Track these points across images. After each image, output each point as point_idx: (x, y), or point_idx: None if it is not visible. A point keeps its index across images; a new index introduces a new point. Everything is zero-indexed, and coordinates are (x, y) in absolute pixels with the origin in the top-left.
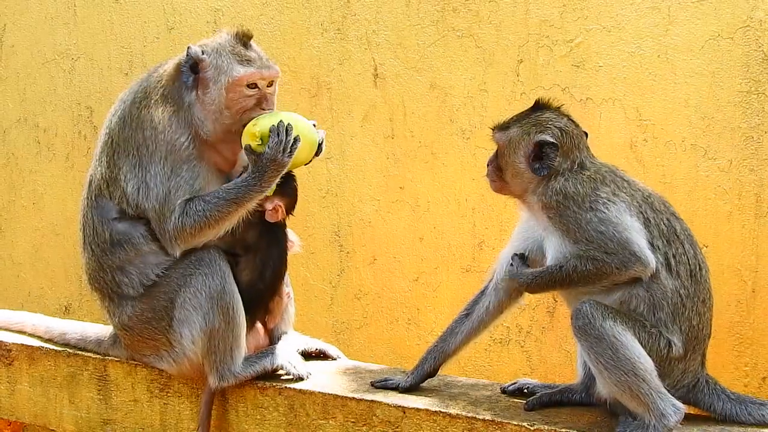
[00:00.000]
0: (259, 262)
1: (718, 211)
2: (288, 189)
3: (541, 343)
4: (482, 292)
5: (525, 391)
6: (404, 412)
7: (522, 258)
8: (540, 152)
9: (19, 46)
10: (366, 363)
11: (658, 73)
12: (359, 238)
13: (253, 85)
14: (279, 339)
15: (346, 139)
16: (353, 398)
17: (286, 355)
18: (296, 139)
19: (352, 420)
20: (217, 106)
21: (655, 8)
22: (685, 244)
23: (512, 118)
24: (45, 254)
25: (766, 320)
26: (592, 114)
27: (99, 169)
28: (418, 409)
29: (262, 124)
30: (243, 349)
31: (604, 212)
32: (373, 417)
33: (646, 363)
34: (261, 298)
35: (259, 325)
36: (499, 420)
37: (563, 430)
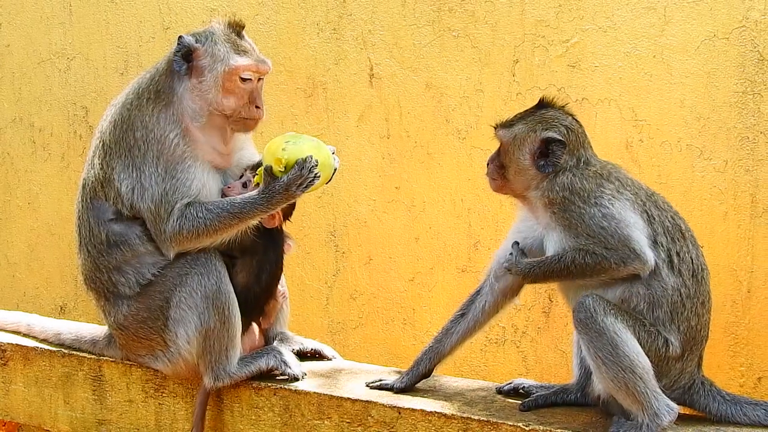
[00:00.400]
0: (255, 265)
1: (713, 211)
2: None
3: (536, 343)
4: (477, 292)
5: (521, 391)
6: (399, 413)
7: (521, 249)
8: (546, 149)
9: (14, 45)
10: (361, 363)
11: (654, 73)
12: (355, 238)
13: (246, 78)
14: (274, 339)
15: (341, 139)
16: (348, 399)
17: (282, 355)
18: (316, 176)
19: (348, 420)
20: (213, 95)
21: (650, 8)
22: (689, 245)
23: (516, 115)
24: (40, 254)
25: (762, 320)
26: (587, 114)
27: (92, 171)
28: (413, 410)
29: (289, 150)
30: (238, 349)
31: (608, 207)
32: (369, 417)
33: (644, 362)
34: (256, 300)
35: (254, 325)
36: (495, 420)
37: (558, 430)
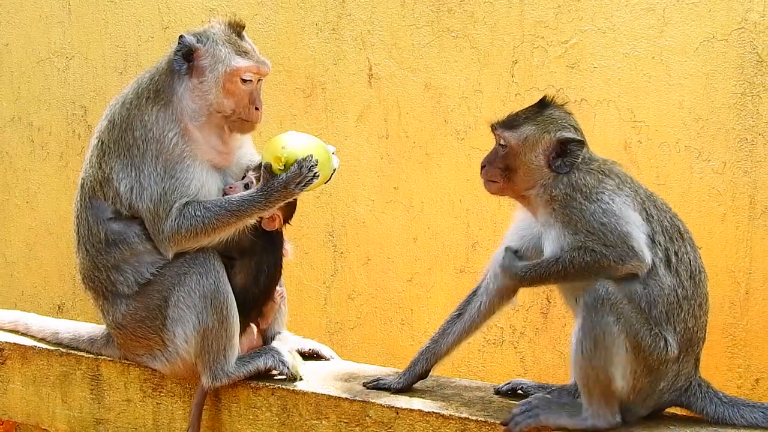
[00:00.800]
0: (254, 267)
1: (711, 212)
2: None
3: (534, 344)
4: (474, 293)
5: (519, 391)
6: (397, 413)
7: (514, 252)
8: (563, 150)
9: (13, 44)
10: (359, 363)
11: (653, 74)
12: (353, 239)
13: (247, 79)
14: (272, 339)
15: (340, 139)
16: (346, 399)
17: (280, 355)
18: (315, 175)
19: (345, 420)
20: (214, 95)
21: (649, 10)
22: (687, 246)
23: (518, 116)
24: (38, 253)
25: (760, 322)
26: (586, 115)
27: (90, 171)
28: (411, 410)
29: (289, 149)
30: (236, 348)
31: (608, 203)
32: (366, 417)
33: (613, 373)
34: (254, 301)
35: (252, 325)
36: (492, 421)
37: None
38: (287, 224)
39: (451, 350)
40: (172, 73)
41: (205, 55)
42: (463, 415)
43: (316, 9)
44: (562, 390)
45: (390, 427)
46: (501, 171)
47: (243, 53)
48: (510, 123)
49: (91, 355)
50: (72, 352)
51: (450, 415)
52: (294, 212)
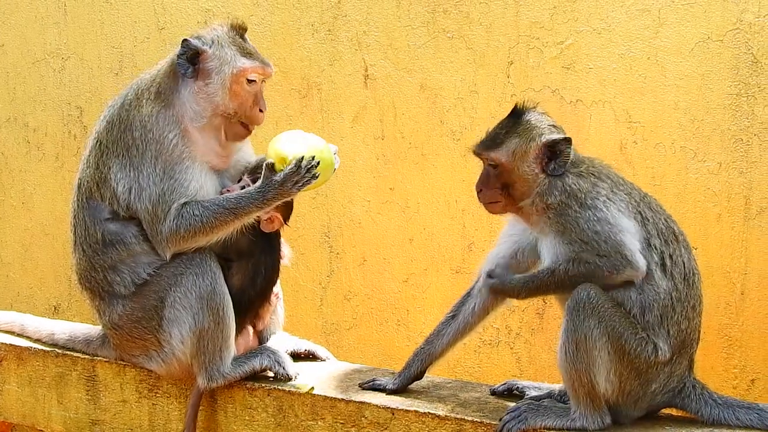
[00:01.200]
0: (251, 269)
1: (707, 213)
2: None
3: (530, 344)
4: (468, 294)
5: (515, 392)
6: (393, 414)
7: (496, 273)
8: (553, 152)
9: (9, 45)
10: (355, 364)
11: (648, 75)
12: (349, 239)
13: (252, 80)
14: (268, 340)
15: (336, 140)
16: (342, 399)
17: (275, 355)
18: (314, 176)
19: (341, 421)
20: (220, 97)
21: (645, 11)
22: (682, 248)
23: (498, 132)
24: (34, 254)
25: (755, 322)
26: (582, 116)
27: (88, 171)
28: (407, 411)
29: (292, 149)
30: (232, 349)
31: (603, 211)
32: (362, 418)
33: (600, 373)
34: (251, 303)
35: (248, 326)
36: (488, 421)
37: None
38: (286, 225)
39: (446, 351)
40: (176, 76)
41: (211, 57)
42: (459, 416)
43: (312, 10)
44: (561, 392)
45: (386, 428)
46: (499, 190)
47: (248, 54)
48: (493, 142)
49: (86, 356)
50: (68, 353)
51: (446, 415)
52: (291, 213)
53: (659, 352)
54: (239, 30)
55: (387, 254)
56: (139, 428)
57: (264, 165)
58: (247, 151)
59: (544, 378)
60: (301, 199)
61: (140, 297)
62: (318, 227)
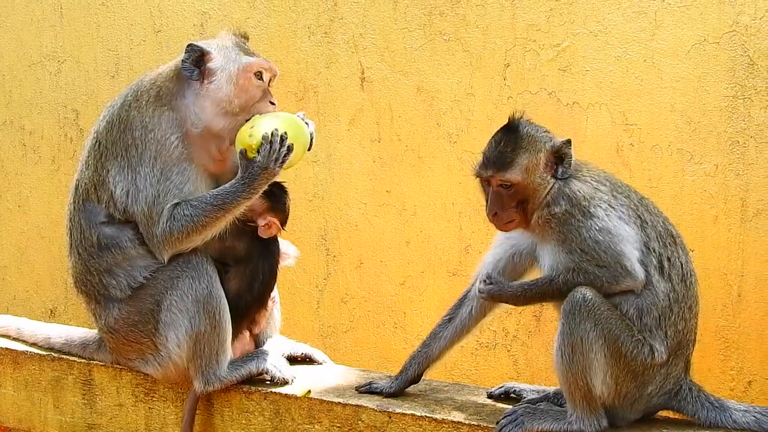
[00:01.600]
0: (249, 274)
1: (704, 215)
2: (280, 205)
3: (527, 347)
4: (464, 297)
5: (512, 395)
6: (390, 417)
7: (493, 277)
8: (558, 157)
9: (4, 48)
10: (352, 367)
11: (645, 77)
12: (346, 242)
13: (259, 75)
14: (265, 343)
15: (332, 142)
16: (339, 403)
17: (272, 359)
18: (289, 148)
19: (338, 425)
20: (225, 92)
21: (641, 13)
22: (680, 250)
23: (503, 152)
24: (30, 257)
25: (752, 324)
26: (578, 118)
27: (86, 173)
28: (404, 414)
29: (257, 129)
30: (229, 353)
31: (605, 220)
32: (359, 422)
33: (596, 376)
34: (248, 309)
35: (245, 329)
36: (485, 425)
37: None
38: (283, 229)
39: (443, 354)
40: (180, 80)
41: (216, 57)
42: (456, 419)
43: (308, 12)
44: (554, 393)
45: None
46: (514, 209)
47: (251, 53)
48: (502, 163)
49: (83, 360)
50: (64, 356)
51: (443, 419)
52: (288, 216)
53: (656, 354)
54: (242, 36)
55: (384, 257)
56: None
57: (238, 155)
58: None
59: (541, 381)
60: (298, 202)
61: (136, 300)
62: (315, 230)
